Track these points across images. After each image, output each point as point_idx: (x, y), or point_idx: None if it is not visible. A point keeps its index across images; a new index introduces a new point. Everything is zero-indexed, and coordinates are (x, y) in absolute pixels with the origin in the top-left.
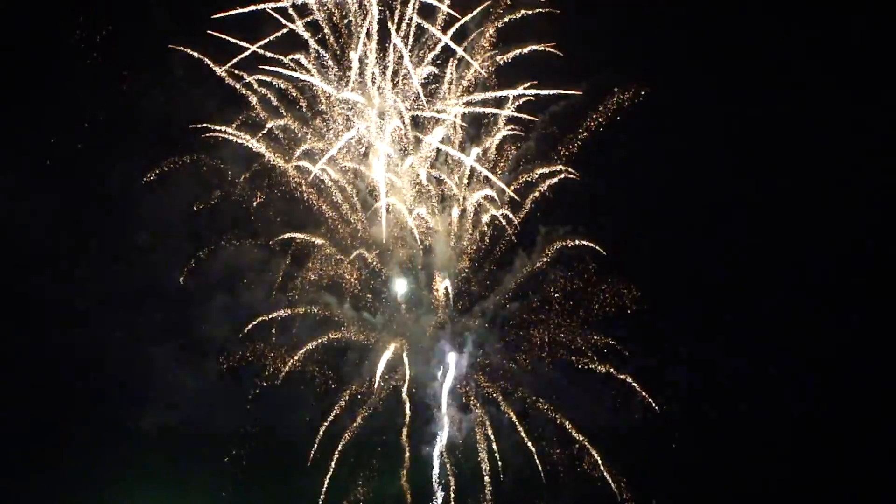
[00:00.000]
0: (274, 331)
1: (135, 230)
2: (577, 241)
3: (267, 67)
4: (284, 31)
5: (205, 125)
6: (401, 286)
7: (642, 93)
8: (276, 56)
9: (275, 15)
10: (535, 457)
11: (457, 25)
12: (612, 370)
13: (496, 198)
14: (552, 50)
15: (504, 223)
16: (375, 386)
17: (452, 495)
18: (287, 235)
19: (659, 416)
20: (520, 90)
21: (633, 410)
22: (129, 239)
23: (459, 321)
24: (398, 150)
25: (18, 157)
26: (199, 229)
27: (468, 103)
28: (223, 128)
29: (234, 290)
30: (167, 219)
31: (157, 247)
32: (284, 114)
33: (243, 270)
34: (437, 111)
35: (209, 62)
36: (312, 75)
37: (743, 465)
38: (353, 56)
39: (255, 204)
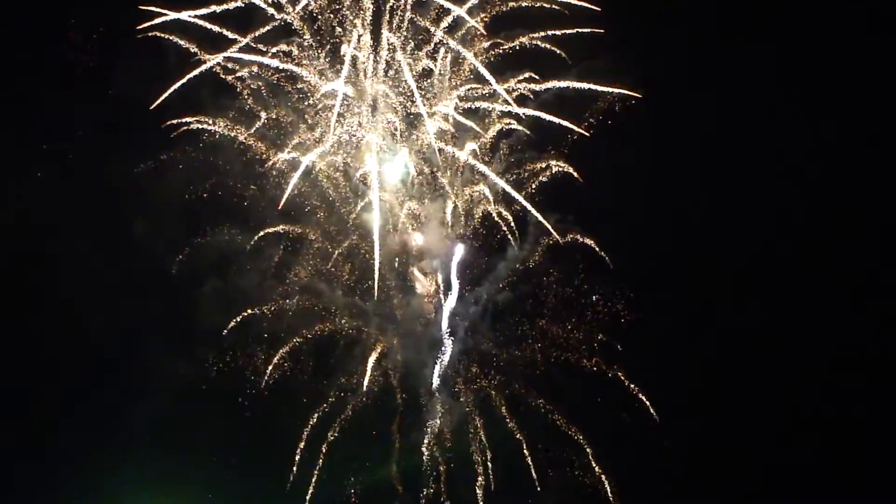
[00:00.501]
0: (266, 324)
1: (128, 219)
2: (569, 237)
3: (254, 58)
4: (277, 23)
5: (194, 119)
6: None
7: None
8: (264, 48)
9: (266, 7)
10: (525, 449)
11: (450, 18)
12: (604, 367)
13: (489, 194)
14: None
15: (497, 219)
16: (366, 378)
17: (443, 487)
18: (280, 228)
19: (653, 416)
20: (513, 82)
21: (627, 410)
22: (121, 227)
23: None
24: (390, 141)
25: (13, 149)
26: (193, 218)
27: (462, 98)
28: (210, 119)
29: (227, 279)
30: (160, 208)
31: (149, 235)
32: (275, 106)
33: (236, 259)
34: (431, 105)
35: (203, 54)
36: (302, 66)
37: (737, 469)
38: (345, 48)
39: (246, 195)
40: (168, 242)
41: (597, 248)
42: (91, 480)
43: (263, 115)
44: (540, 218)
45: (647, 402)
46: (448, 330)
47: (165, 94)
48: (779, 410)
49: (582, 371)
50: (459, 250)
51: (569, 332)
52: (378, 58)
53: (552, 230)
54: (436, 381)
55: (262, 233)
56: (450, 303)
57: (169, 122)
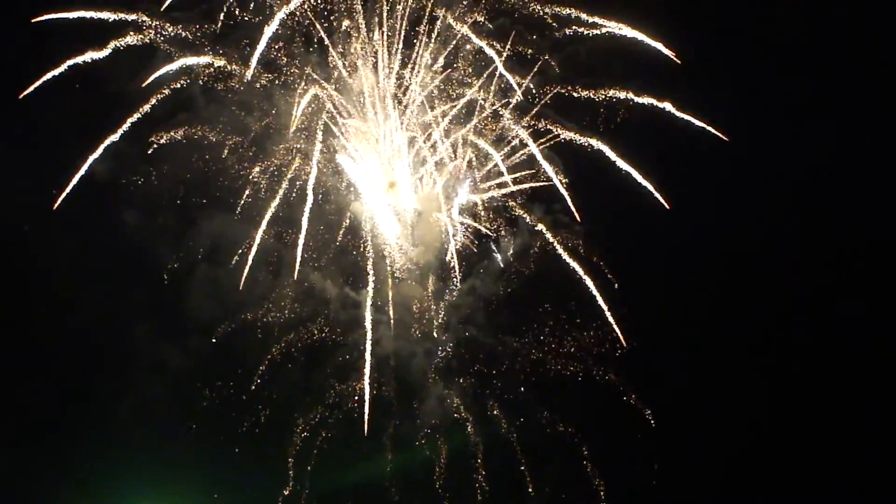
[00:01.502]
0: (259, 325)
1: (120, 209)
2: (559, 236)
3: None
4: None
5: (183, 131)
6: None
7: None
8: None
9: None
10: (518, 449)
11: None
12: (598, 371)
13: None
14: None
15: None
16: (363, 380)
17: (438, 487)
18: (270, 235)
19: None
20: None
21: (623, 418)
22: (113, 218)
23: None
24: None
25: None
26: (187, 209)
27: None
28: (199, 126)
29: (219, 276)
30: (153, 198)
31: (142, 226)
32: (265, 110)
33: (227, 257)
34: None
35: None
36: (292, 72)
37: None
38: (333, 55)
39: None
40: (159, 239)
41: (582, 252)
42: (84, 476)
43: (254, 117)
44: (544, 229)
45: (641, 406)
46: (442, 323)
47: (147, 105)
48: (777, 416)
49: (576, 375)
50: (453, 244)
51: (563, 346)
52: (367, 61)
53: (558, 246)
54: (429, 378)
55: (257, 231)
56: (443, 296)
57: (158, 134)
